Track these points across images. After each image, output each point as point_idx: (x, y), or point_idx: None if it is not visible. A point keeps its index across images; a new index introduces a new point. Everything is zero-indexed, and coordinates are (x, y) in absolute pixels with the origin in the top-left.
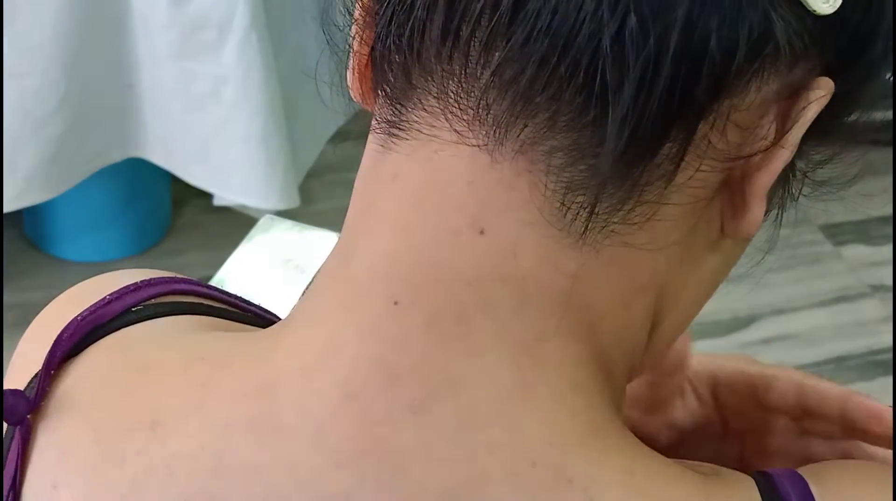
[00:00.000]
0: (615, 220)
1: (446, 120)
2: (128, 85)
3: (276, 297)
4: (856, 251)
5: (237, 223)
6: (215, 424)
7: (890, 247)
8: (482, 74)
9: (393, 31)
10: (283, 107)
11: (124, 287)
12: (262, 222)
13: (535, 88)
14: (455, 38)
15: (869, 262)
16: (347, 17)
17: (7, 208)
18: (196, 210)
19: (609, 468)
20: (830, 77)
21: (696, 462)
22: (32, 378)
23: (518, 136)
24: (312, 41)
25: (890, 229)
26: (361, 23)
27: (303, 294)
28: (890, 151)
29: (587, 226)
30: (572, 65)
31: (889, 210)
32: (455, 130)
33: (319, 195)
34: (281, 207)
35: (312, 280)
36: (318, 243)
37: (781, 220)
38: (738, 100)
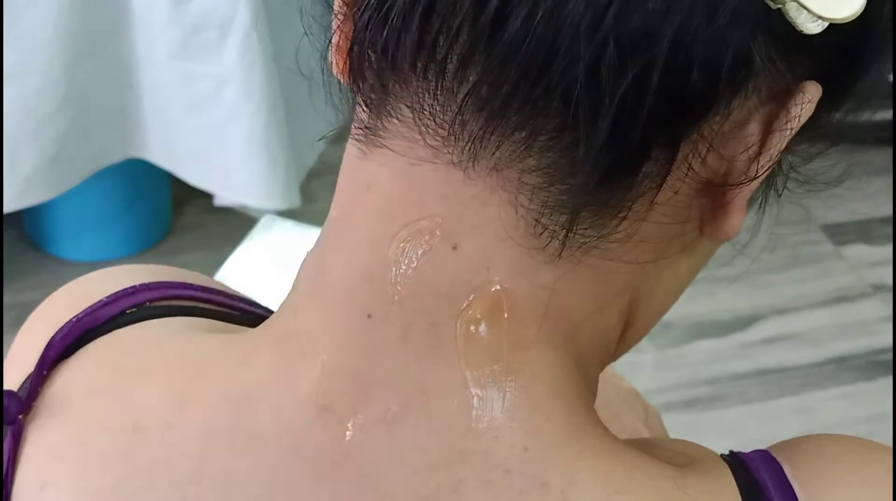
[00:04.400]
0: (594, 235)
1: (420, 134)
2: (128, 85)
3: (277, 297)
4: (857, 251)
5: (238, 223)
6: (197, 431)
7: (891, 247)
8: (458, 90)
9: (368, 35)
10: (284, 107)
11: (121, 290)
12: (262, 222)
13: (511, 108)
14: (431, 51)
15: (870, 262)
16: (327, 8)
17: (7, 208)
18: (197, 210)
19: (587, 469)
20: (819, 80)
21: (676, 442)
22: (25, 379)
23: (493, 154)
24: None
25: (891, 229)
26: (341, 16)
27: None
28: (890, 151)
29: (564, 245)
30: (548, 91)
31: (889, 210)
32: (430, 146)
33: (320, 195)
34: (282, 207)
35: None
36: None
37: (769, 200)
38: (719, 118)
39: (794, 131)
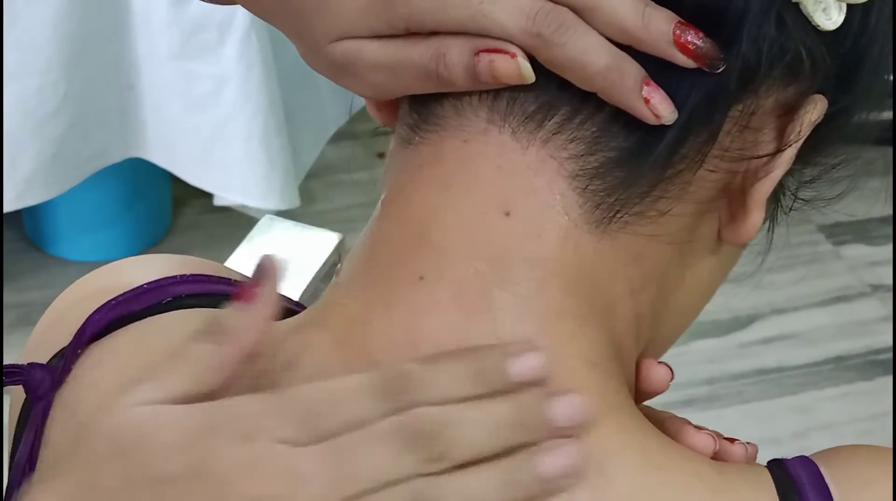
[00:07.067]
0: (632, 212)
1: (473, 112)
2: (128, 85)
3: None
4: (856, 251)
5: (237, 223)
6: None
7: (890, 247)
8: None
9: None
10: (283, 107)
11: (162, 278)
12: (262, 222)
13: (563, 98)
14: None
15: (869, 261)
16: None
17: (7, 208)
18: (196, 210)
19: (623, 442)
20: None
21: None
22: (55, 354)
23: (545, 125)
24: None
25: (890, 229)
26: None
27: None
28: (890, 151)
29: (608, 216)
30: None
31: (889, 210)
32: (485, 119)
33: (319, 195)
34: (281, 207)
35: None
36: (318, 244)
37: (778, 219)
38: (751, 105)
39: (809, 127)
